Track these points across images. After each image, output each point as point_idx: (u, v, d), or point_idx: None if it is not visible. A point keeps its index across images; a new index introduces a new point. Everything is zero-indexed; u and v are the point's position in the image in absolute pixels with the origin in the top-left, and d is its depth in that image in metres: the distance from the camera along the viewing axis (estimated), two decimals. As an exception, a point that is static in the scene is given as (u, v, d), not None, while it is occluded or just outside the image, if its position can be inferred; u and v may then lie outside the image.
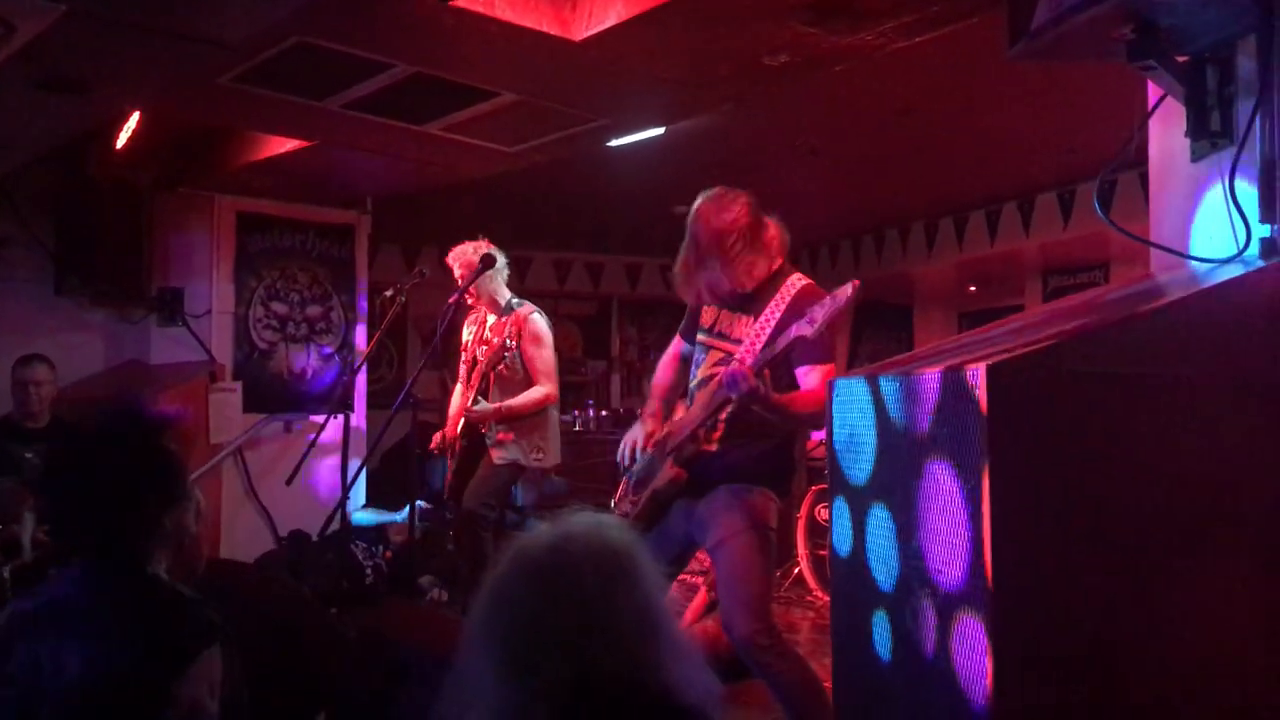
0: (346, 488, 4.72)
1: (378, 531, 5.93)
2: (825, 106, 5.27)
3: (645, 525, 3.01)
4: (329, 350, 6.69)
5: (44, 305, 5.89)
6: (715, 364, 2.98)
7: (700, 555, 3.42)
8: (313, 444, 4.94)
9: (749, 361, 2.76)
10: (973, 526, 1.69)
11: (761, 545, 2.88)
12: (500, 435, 4.57)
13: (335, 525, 4.93)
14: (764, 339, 2.85)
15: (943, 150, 6.14)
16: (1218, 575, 1.76)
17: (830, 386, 2.24)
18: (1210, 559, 1.76)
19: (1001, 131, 5.73)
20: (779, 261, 3.01)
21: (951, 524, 1.76)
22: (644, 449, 3.13)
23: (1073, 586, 1.68)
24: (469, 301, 4.73)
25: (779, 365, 2.80)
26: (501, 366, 4.60)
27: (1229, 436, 1.78)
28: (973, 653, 1.69)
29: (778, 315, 2.88)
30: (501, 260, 4.64)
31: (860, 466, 2.09)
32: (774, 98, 4.65)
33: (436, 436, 4.83)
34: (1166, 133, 2.44)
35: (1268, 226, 2.03)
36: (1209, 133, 2.20)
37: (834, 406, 2.20)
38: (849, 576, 2.15)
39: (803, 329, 2.60)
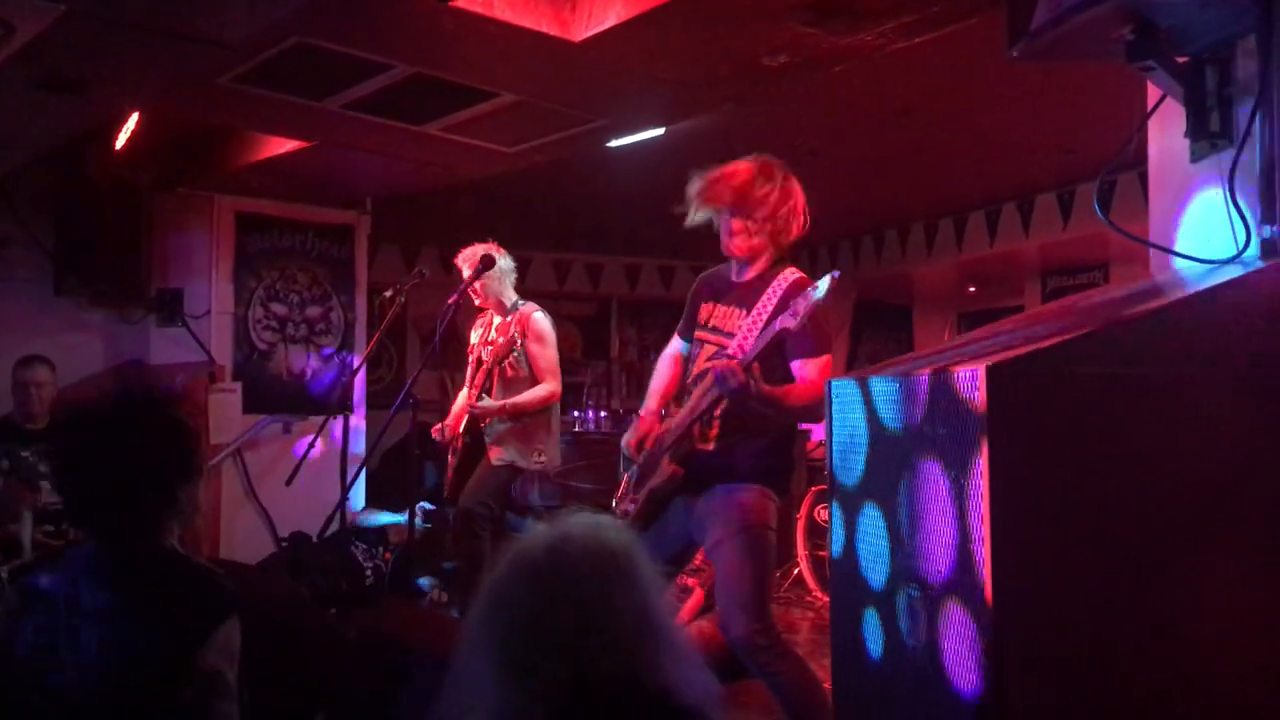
0: (346, 488, 4.73)
1: (378, 533, 5.93)
2: (825, 107, 5.26)
3: (643, 523, 3.01)
4: (329, 351, 6.69)
5: (43, 305, 5.88)
6: (710, 359, 2.98)
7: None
8: (312, 444, 4.96)
9: (739, 356, 2.76)
10: (968, 526, 1.69)
11: (759, 545, 2.87)
12: (500, 434, 4.59)
13: (335, 526, 4.93)
14: (755, 332, 2.85)
15: (942, 151, 6.14)
16: (1218, 575, 1.76)
17: (829, 388, 2.24)
18: (1210, 559, 1.76)
19: (1001, 132, 5.73)
20: (793, 234, 3.01)
21: (946, 524, 1.76)
22: (645, 447, 3.13)
23: (1073, 587, 1.68)
24: (477, 303, 4.77)
25: (773, 359, 2.80)
26: (507, 365, 4.62)
27: (1229, 436, 1.78)
28: (966, 652, 1.69)
29: (769, 308, 2.88)
30: (509, 263, 4.70)
31: (858, 467, 2.09)
32: (774, 98, 4.64)
33: (438, 426, 4.86)
34: (1166, 133, 2.44)
35: (1268, 227, 2.03)
36: (1208, 133, 2.20)
37: (833, 408, 2.20)
38: (847, 577, 2.15)
39: (786, 321, 2.61)
